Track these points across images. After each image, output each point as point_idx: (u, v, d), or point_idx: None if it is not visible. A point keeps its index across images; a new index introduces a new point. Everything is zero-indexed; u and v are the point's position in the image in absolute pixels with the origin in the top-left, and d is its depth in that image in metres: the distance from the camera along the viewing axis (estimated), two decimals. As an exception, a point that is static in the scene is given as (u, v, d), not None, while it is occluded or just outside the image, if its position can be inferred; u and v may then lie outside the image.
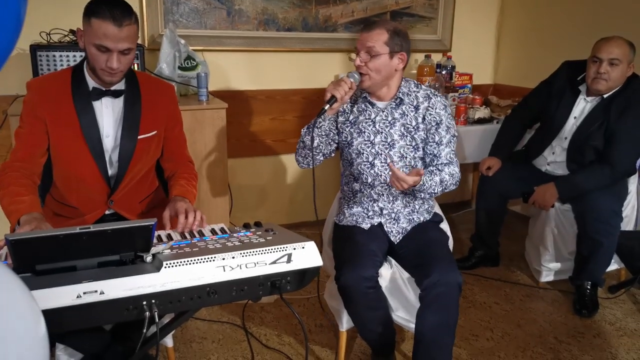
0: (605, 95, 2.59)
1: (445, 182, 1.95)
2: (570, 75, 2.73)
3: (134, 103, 1.78)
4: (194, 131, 2.62)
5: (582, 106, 2.67)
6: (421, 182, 1.84)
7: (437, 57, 3.60)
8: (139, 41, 2.80)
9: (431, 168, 1.97)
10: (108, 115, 1.75)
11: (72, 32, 2.49)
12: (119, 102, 1.76)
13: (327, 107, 1.84)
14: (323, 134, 1.97)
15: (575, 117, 2.68)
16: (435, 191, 1.94)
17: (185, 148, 1.98)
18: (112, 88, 1.74)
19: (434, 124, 1.97)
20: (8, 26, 1.04)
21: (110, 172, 1.79)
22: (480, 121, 3.27)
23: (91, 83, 1.72)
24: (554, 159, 2.78)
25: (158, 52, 2.75)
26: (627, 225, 2.71)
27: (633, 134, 2.54)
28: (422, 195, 1.94)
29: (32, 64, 2.32)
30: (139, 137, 1.79)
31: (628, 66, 2.53)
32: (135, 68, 2.44)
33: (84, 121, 1.71)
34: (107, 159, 1.77)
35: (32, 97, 1.71)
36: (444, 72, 3.49)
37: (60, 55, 2.35)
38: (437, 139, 1.98)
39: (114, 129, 1.77)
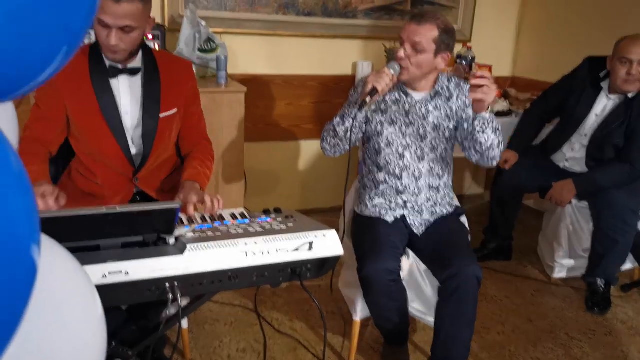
0: (630, 94, 2.55)
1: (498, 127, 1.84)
2: (592, 72, 2.68)
3: (153, 81, 1.79)
4: (211, 114, 2.58)
5: (604, 104, 2.63)
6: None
7: (456, 48, 3.54)
8: (159, 21, 2.79)
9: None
10: (126, 93, 1.76)
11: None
12: (137, 80, 1.77)
13: (368, 99, 1.79)
14: (357, 125, 1.95)
15: (596, 115, 2.65)
16: (496, 125, 1.83)
17: (203, 125, 1.97)
18: (129, 66, 1.74)
19: (463, 107, 1.97)
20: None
21: (134, 151, 1.81)
22: (499, 114, 3.23)
23: (108, 61, 1.73)
24: (573, 155, 2.75)
25: (178, 33, 2.73)
26: (644, 224, 2.68)
27: (654, 133, 2.51)
28: (487, 127, 1.80)
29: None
30: (160, 115, 1.80)
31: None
32: (157, 49, 2.43)
33: (101, 98, 1.72)
34: (129, 137, 1.78)
35: None
36: (464, 63, 3.44)
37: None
38: (465, 117, 1.97)
39: (134, 107, 1.78)
